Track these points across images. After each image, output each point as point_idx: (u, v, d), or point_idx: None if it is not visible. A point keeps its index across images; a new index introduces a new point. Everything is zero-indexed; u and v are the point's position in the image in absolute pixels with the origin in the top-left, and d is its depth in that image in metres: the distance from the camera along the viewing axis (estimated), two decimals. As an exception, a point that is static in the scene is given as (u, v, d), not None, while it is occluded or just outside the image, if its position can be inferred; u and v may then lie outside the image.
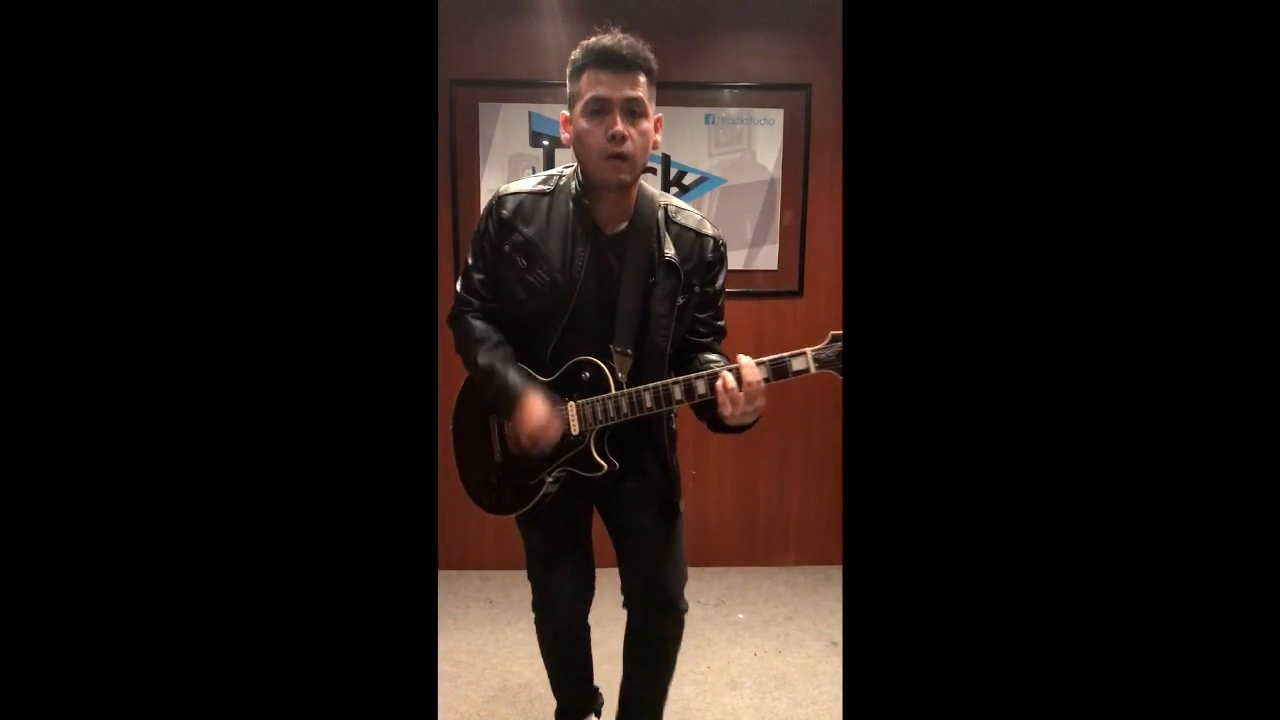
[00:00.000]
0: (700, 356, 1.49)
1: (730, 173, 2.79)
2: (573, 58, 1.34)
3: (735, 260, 2.72)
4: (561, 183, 1.43)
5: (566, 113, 1.37)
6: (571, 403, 1.41)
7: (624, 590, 1.63)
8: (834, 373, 1.30)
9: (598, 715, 1.88)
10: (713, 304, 1.50)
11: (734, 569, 2.95)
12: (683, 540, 1.61)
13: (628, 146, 1.30)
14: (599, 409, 1.40)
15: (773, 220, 2.81)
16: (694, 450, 2.84)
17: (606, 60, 1.29)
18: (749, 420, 1.34)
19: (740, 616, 2.62)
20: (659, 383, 1.37)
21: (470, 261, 1.48)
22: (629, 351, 1.40)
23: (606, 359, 1.40)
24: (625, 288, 1.40)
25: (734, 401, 1.30)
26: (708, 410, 1.39)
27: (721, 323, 1.55)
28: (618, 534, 1.61)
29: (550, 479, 1.46)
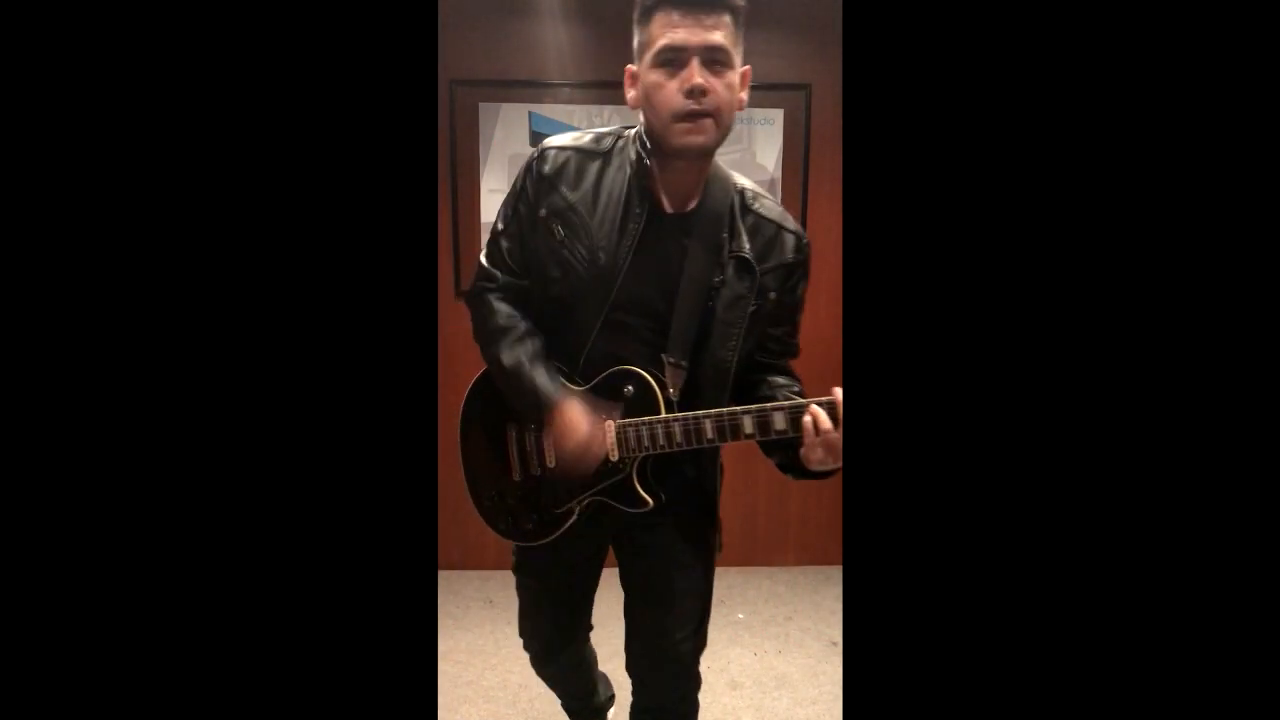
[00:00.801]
0: (767, 379, 1.24)
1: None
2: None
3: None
4: (620, 145, 1.15)
5: (633, 66, 1.10)
6: (610, 422, 1.13)
7: (627, 649, 1.35)
8: None
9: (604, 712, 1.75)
10: (789, 318, 1.23)
11: (734, 569, 2.95)
12: (710, 603, 1.31)
13: (709, 102, 1.03)
14: (645, 434, 1.12)
15: (773, 220, 2.81)
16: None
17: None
18: (835, 466, 1.07)
19: (740, 616, 2.62)
20: (725, 410, 1.10)
21: (499, 225, 1.18)
22: (684, 364, 1.13)
23: (656, 371, 1.13)
24: (687, 283, 1.11)
25: (828, 446, 1.03)
26: (782, 450, 1.14)
27: (796, 341, 1.28)
28: (631, 577, 1.32)
29: (579, 507, 1.20)
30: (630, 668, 1.35)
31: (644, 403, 1.12)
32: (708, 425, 1.09)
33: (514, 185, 1.18)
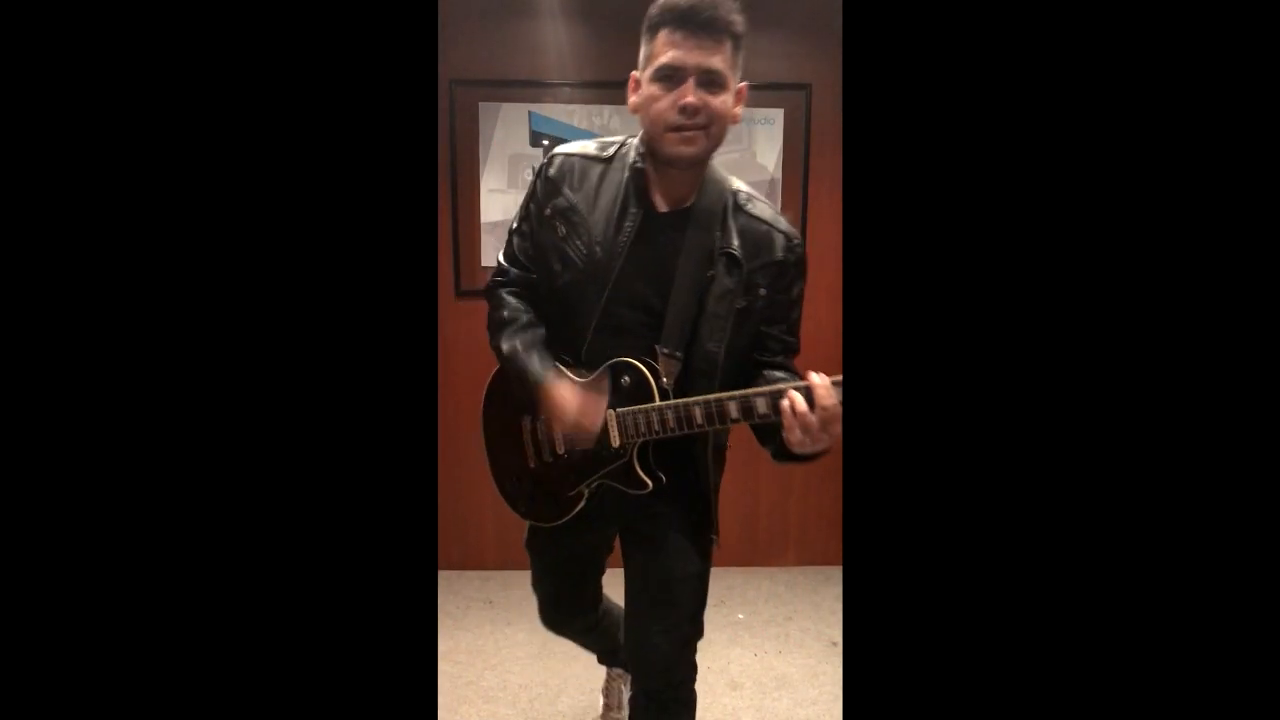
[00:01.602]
0: (765, 374, 1.28)
1: (730, 172, 2.78)
2: (649, 13, 1.14)
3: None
4: (622, 150, 1.24)
5: (637, 73, 1.17)
6: (611, 411, 1.21)
7: (625, 637, 1.42)
8: None
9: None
10: (784, 315, 1.28)
11: (734, 569, 2.95)
12: (705, 592, 1.37)
13: (700, 118, 1.11)
14: (641, 420, 1.20)
15: (773, 220, 2.81)
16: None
17: (686, 19, 1.08)
18: (820, 449, 1.12)
19: (740, 616, 2.62)
20: (713, 396, 1.17)
21: (514, 224, 1.31)
22: (678, 355, 1.20)
23: (651, 362, 1.21)
24: (680, 278, 1.19)
25: (805, 427, 1.09)
26: (772, 436, 1.19)
27: (795, 339, 1.33)
28: (633, 566, 1.38)
29: (589, 490, 1.29)
30: (629, 654, 1.41)
31: (640, 392, 1.20)
32: (697, 411, 1.16)
33: (529, 186, 1.29)
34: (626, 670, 1.77)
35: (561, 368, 1.26)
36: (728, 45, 1.11)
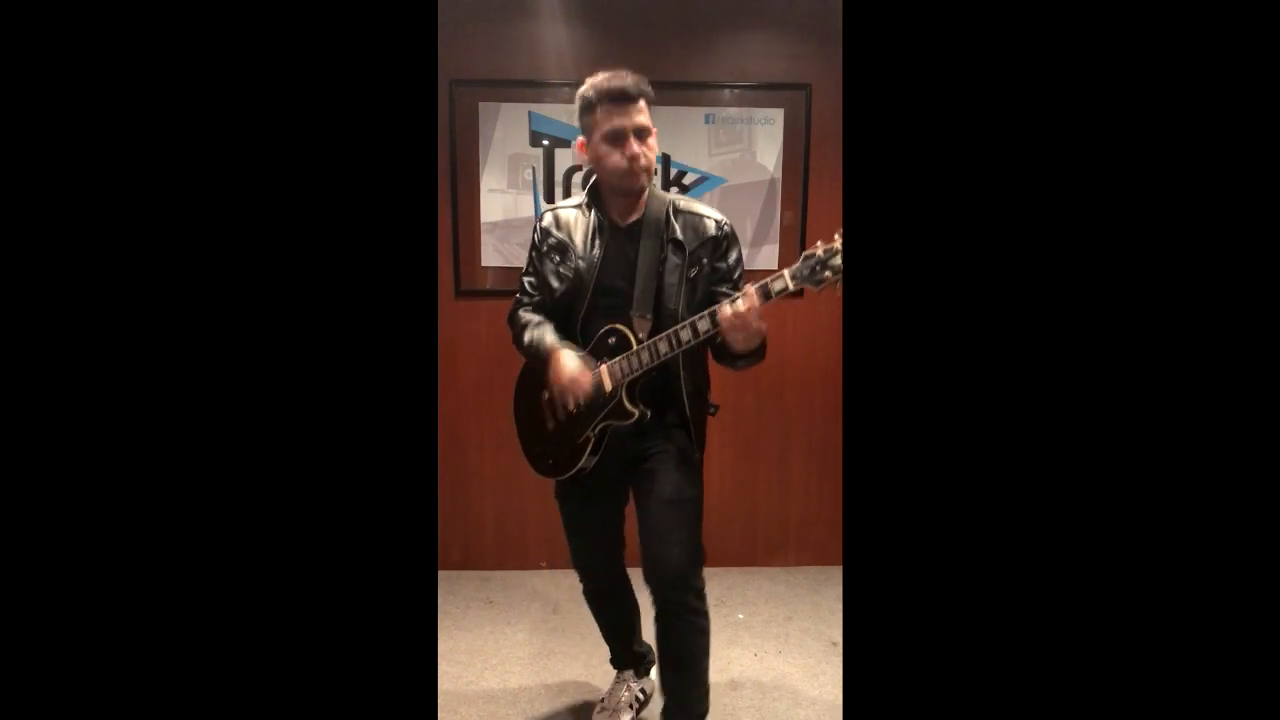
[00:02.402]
0: None
1: (730, 172, 2.79)
2: (584, 94, 1.62)
3: (735, 260, 2.70)
4: (588, 199, 1.75)
5: (583, 139, 1.68)
6: (602, 365, 1.65)
7: (642, 558, 1.72)
8: (810, 286, 1.46)
9: (643, 677, 2.04)
10: (728, 277, 1.71)
11: (734, 569, 2.95)
12: (698, 518, 1.72)
13: (641, 162, 1.61)
14: (624, 364, 1.63)
15: (773, 220, 2.81)
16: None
17: (617, 98, 1.58)
18: (754, 345, 1.54)
19: (740, 616, 2.62)
20: (669, 330, 1.59)
21: (524, 270, 1.82)
22: (648, 316, 1.65)
23: (628, 322, 1.65)
24: (641, 265, 1.66)
25: (738, 326, 1.49)
26: (722, 350, 1.62)
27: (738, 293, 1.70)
28: (641, 498, 1.75)
29: (594, 434, 1.69)
30: (649, 573, 1.70)
31: (623, 346, 1.65)
32: (661, 344, 1.59)
33: (530, 239, 1.79)
34: (637, 674, 2.04)
35: (569, 344, 1.71)
36: (643, 104, 1.61)
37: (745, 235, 2.83)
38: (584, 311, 1.69)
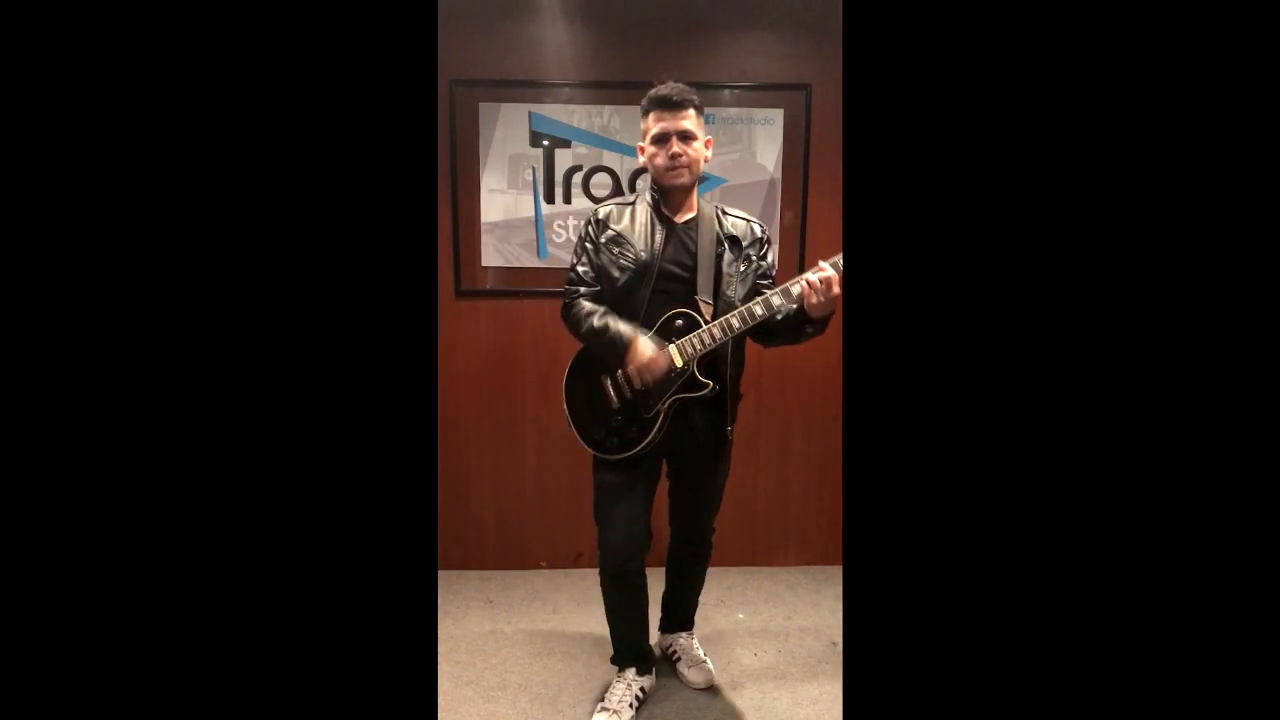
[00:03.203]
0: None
1: (730, 173, 2.79)
2: (643, 103, 1.87)
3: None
4: (638, 195, 1.98)
5: (642, 143, 1.91)
6: (672, 344, 1.83)
7: (671, 518, 2.12)
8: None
9: (645, 674, 2.11)
10: (767, 273, 1.98)
11: (734, 569, 2.95)
12: (725, 479, 2.10)
13: (683, 160, 1.84)
14: (696, 341, 1.82)
15: (773, 220, 2.81)
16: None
17: (663, 104, 1.83)
18: (830, 310, 1.76)
19: (740, 616, 2.62)
20: (741, 307, 1.80)
21: (573, 262, 1.97)
22: (709, 301, 1.87)
23: (695, 304, 1.86)
24: (701, 257, 1.89)
25: (818, 290, 1.72)
26: (780, 327, 1.87)
27: (774, 284, 1.97)
28: (677, 474, 2.06)
29: (665, 407, 1.87)
30: (677, 527, 2.12)
31: (690, 326, 1.85)
32: (734, 319, 1.80)
33: (579, 236, 1.98)
34: (639, 672, 2.11)
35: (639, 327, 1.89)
36: (691, 112, 1.84)
37: (745, 235, 2.83)
38: (649, 297, 1.86)
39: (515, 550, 2.97)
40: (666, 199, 1.92)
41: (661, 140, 1.84)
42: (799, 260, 2.86)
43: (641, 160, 1.94)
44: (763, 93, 2.76)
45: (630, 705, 2.03)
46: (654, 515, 2.00)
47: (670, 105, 1.83)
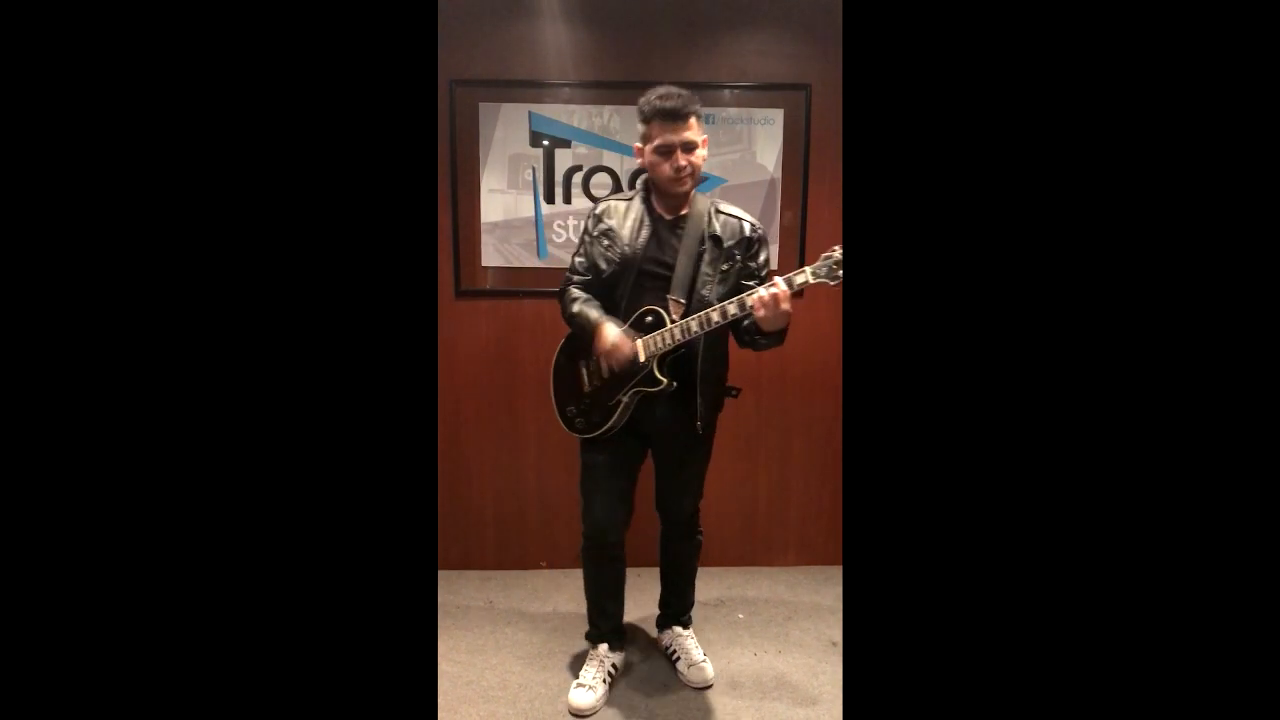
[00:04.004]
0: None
1: (730, 173, 2.79)
2: (641, 106, 1.88)
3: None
4: (636, 192, 2.03)
5: (639, 144, 1.93)
6: (639, 339, 1.90)
7: (658, 502, 2.20)
8: (829, 282, 1.71)
9: (617, 650, 2.22)
10: (756, 275, 1.97)
11: (734, 569, 2.95)
12: (704, 468, 2.14)
13: (687, 170, 1.88)
14: (658, 339, 1.88)
15: (773, 220, 2.81)
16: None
17: (667, 115, 1.83)
18: (780, 326, 1.79)
19: (740, 616, 2.62)
20: (702, 312, 1.84)
21: (575, 251, 2.06)
22: (682, 300, 1.91)
23: (664, 303, 1.91)
24: (681, 255, 1.92)
25: (768, 306, 1.74)
26: (745, 332, 1.91)
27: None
28: (661, 460, 2.13)
29: (626, 398, 1.95)
30: (664, 511, 2.18)
31: (658, 323, 1.90)
32: (693, 323, 1.85)
33: (583, 225, 2.07)
34: (612, 648, 2.22)
35: (611, 318, 1.96)
36: (694, 121, 1.86)
37: (745, 235, 2.83)
38: (628, 292, 1.93)
39: (515, 550, 2.97)
40: (661, 198, 1.96)
41: (666, 152, 1.86)
42: (799, 260, 2.86)
43: (639, 162, 1.97)
44: (763, 93, 2.76)
45: (604, 680, 2.11)
46: (650, 512, 2.06)
47: (674, 117, 1.84)
